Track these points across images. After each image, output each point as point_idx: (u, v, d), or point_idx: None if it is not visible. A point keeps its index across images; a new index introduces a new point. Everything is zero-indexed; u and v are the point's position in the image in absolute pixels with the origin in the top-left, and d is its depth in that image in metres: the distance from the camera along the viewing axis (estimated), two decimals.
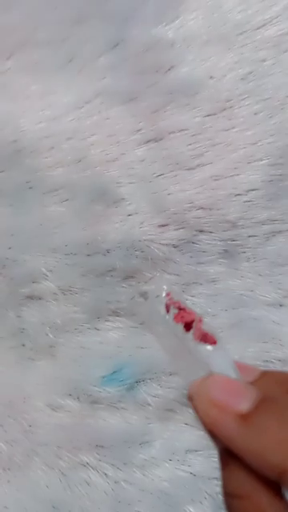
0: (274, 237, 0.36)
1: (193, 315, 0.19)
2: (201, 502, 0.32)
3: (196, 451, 0.33)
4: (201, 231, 0.36)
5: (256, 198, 0.36)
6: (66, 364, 0.36)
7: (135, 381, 0.35)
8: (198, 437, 0.33)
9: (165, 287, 0.20)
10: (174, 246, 0.37)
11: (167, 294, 0.20)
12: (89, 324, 0.37)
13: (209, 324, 0.19)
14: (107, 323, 0.36)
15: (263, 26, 0.37)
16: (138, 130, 0.38)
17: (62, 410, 0.35)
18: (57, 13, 0.42)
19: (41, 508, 0.34)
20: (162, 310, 0.20)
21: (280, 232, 0.36)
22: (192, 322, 0.19)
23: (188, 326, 0.19)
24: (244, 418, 0.16)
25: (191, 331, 0.19)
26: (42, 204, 0.38)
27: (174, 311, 0.19)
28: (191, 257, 0.36)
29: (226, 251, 0.36)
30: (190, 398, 0.18)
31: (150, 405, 0.34)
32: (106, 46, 0.40)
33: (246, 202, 0.36)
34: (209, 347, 0.19)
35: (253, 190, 0.36)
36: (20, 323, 0.37)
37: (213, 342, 0.19)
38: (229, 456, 0.17)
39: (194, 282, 0.36)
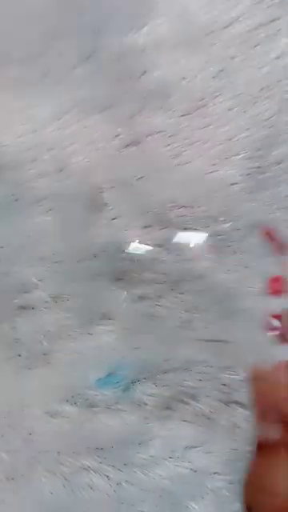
0: (256, 228, 0.36)
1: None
2: (203, 497, 0.32)
3: (195, 447, 0.33)
4: (185, 229, 0.37)
5: (236, 192, 0.36)
6: (61, 370, 0.36)
7: (130, 381, 0.35)
8: (196, 433, 0.33)
9: None
10: (160, 246, 0.37)
11: None
12: (81, 329, 0.37)
13: None
14: (99, 327, 0.37)
15: (230, 24, 0.38)
16: (117, 136, 0.39)
17: (60, 416, 0.35)
18: (31, 31, 0.43)
19: None
20: None
21: (262, 223, 0.36)
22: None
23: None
24: None
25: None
26: (28, 215, 0.39)
27: None
28: (177, 255, 0.37)
29: (211, 246, 0.37)
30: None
31: (146, 404, 0.34)
32: (80, 58, 0.41)
33: (227, 196, 0.36)
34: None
35: (232, 184, 0.37)
36: (14, 334, 0.37)
37: None
38: None
39: (182, 279, 0.36)
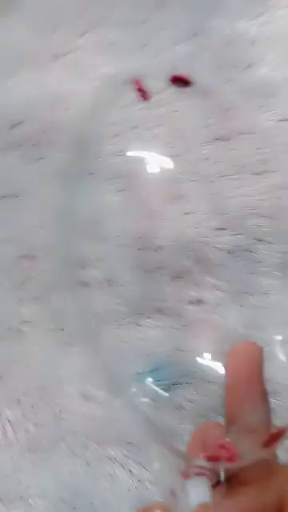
0: None
1: None
2: None
3: None
4: (259, 240, 0.35)
5: None
6: (102, 355, 0.36)
7: (172, 383, 0.34)
8: None
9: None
10: (229, 252, 0.35)
11: None
12: (130, 318, 0.36)
13: None
14: (149, 320, 0.36)
15: None
16: (207, 127, 0.37)
17: (94, 400, 0.35)
18: None
19: (62, 493, 0.34)
20: None
21: None
22: None
23: None
24: None
25: None
26: (99, 191, 0.37)
27: None
28: (245, 265, 0.35)
29: (282, 264, 0.35)
30: None
31: (184, 409, 0.34)
32: (185, 35, 0.39)
33: None
34: None
35: None
36: (62, 307, 0.37)
37: None
38: None
39: (244, 292, 0.35)
